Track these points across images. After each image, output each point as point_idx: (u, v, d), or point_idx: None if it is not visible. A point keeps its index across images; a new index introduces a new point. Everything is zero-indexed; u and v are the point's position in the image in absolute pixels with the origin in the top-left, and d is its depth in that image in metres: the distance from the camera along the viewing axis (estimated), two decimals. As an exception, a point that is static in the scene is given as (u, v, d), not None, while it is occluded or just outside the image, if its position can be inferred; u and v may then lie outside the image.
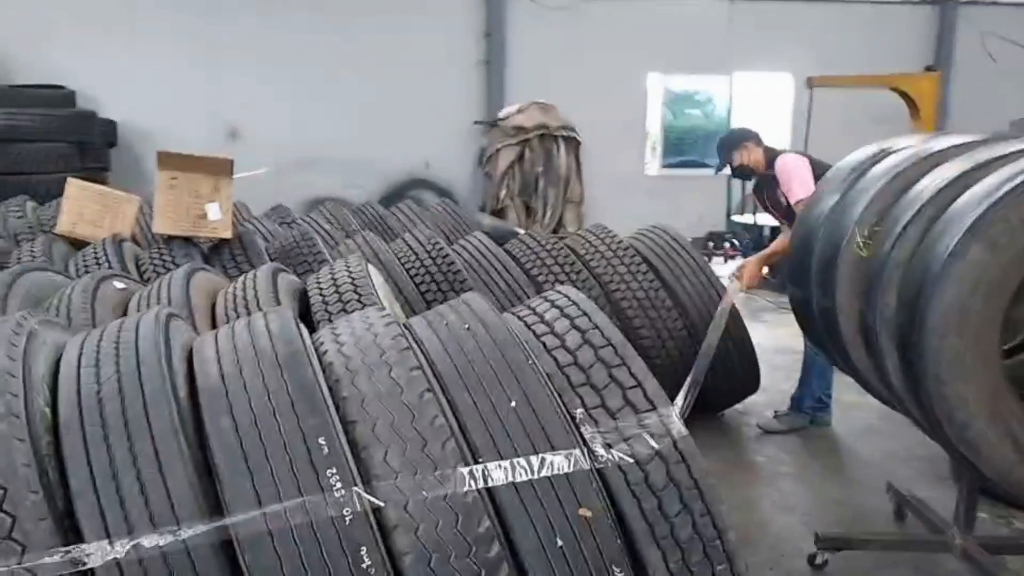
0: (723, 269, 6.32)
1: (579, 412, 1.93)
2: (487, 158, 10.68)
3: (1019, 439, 2.34)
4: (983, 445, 2.33)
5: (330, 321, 2.67)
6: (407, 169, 11.09)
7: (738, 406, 5.08)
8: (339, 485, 1.59)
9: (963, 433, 2.34)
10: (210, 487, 1.58)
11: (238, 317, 2.60)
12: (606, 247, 4.60)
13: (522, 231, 8.42)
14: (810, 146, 8.48)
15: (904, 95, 8.92)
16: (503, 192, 10.55)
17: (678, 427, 1.92)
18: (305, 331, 1.98)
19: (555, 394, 1.90)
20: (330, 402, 1.72)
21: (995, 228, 2.23)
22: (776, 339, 6.32)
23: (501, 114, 10.76)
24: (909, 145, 3.15)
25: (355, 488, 1.59)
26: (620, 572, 1.81)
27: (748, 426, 4.86)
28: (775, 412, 4.86)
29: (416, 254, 4.12)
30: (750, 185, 5.13)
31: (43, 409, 1.53)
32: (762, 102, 12.34)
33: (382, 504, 1.62)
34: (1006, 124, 10.54)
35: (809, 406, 4.69)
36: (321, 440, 1.62)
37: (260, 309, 2.57)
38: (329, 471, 1.59)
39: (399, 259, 4.14)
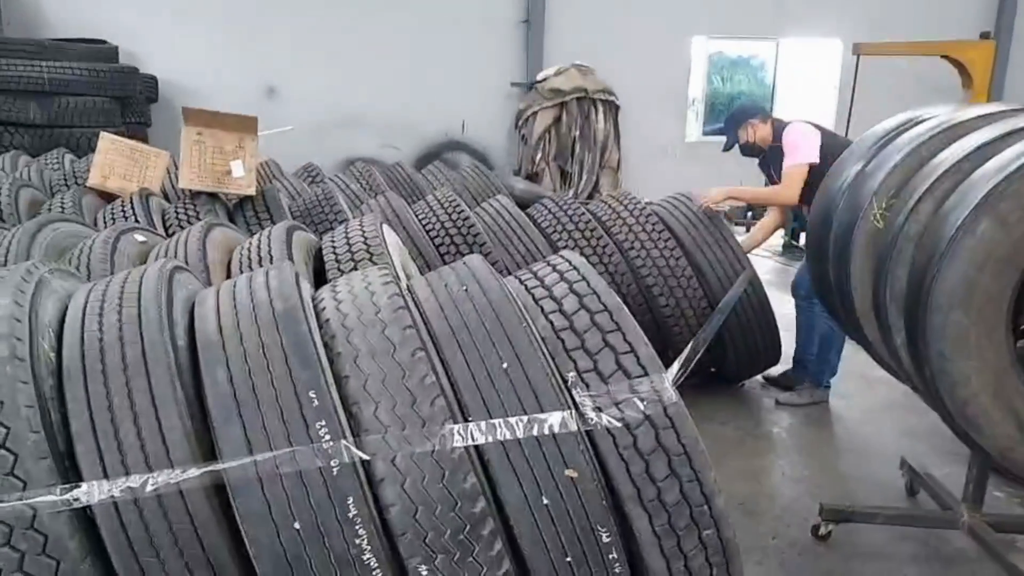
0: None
1: (571, 375, 1.96)
2: (523, 121, 10.62)
3: (1022, 417, 2.32)
4: (985, 422, 2.31)
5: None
6: (443, 130, 11.09)
7: (759, 376, 5.07)
8: (328, 437, 1.65)
9: (965, 410, 2.32)
10: (205, 434, 1.66)
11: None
12: (628, 213, 4.59)
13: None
14: (856, 117, 8.28)
15: (956, 63, 8.57)
16: (539, 156, 10.50)
17: (669, 393, 1.93)
18: (306, 287, 2.03)
19: (548, 357, 1.93)
20: (324, 357, 1.78)
21: (1006, 203, 2.19)
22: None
23: (539, 76, 10.67)
24: (939, 114, 3.06)
25: (343, 441, 1.65)
26: (605, 532, 1.85)
27: (768, 397, 4.86)
28: (794, 386, 4.84)
29: (436, 215, 4.16)
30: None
31: (48, 353, 1.60)
32: (810, 69, 12.02)
33: (368, 457, 1.67)
34: (1062, 95, 10.18)
35: (828, 380, 4.66)
36: (312, 393, 1.67)
37: (272, 264, 2.63)
38: (319, 423, 1.65)
39: (419, 219, 4.18)
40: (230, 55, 10.08)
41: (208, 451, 1.61)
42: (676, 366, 2.08)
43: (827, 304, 3.70)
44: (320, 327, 1.89)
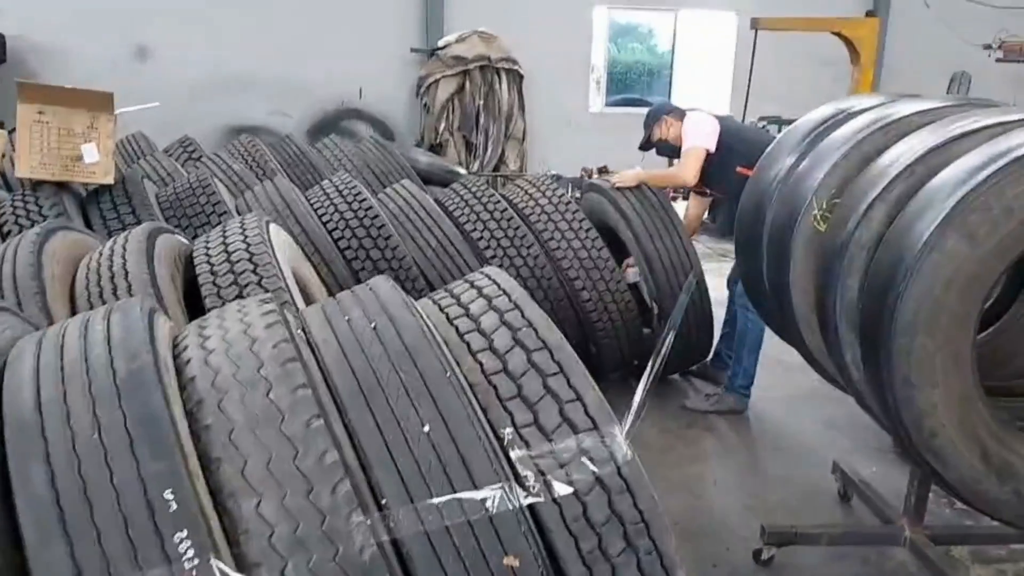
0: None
1: (507, 432, 1.59)
2: (425, 89, 10.12)
3: (988, 448, 2.12)
4: (950, 454, 2.09)
5: (219, 298, 2.25)
6: (339, 97, 10.46)
7: (683, 370, 4.87)
8: (191, 553, 1.22)
9: (931, 441, 2.10)
10: (17, 558, 1.20)
11: (101, 293, 2.16)
12: (547, 200, 4.22)
13: (462, 171, 7.95)
14: (752, 89, 8.28)
15: (845, 40, 8.78)
16: (442, 126, 10.05)
17: (623, 450, 1.60)
18: (163, 330, 1.57)
19: (479, 412, 1.55)
20: (186, 435, 1.34)
21: (973, 217, 1.96)
22: (717, 290, 6.03)
23: (440, 43, 10.18)
24: (871, 107, 2.87)
25: (213, 559, 1.23)
26: (552, 625, 1.51)
27: (696, 392, 4.65)
28: (712, 377, 4.65)
29: (334, 205, 3.66)
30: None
31: None
32: (707, 41, 12.03)
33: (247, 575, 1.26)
34: (939, 71, 10.62)
35: (741, 385, 4.39)
36: (168, 494, 1.24)
37: (127, 282, 2.13)
38: (178, 535, 1.22)
39: (315, 209, 3.68)
40: (94, 10, 9.02)
41: (20, 585, 1.16)
42: (631, 417, 1.74)
43: (759, 306, 3.48)
44: (182, 389, 1.44)
